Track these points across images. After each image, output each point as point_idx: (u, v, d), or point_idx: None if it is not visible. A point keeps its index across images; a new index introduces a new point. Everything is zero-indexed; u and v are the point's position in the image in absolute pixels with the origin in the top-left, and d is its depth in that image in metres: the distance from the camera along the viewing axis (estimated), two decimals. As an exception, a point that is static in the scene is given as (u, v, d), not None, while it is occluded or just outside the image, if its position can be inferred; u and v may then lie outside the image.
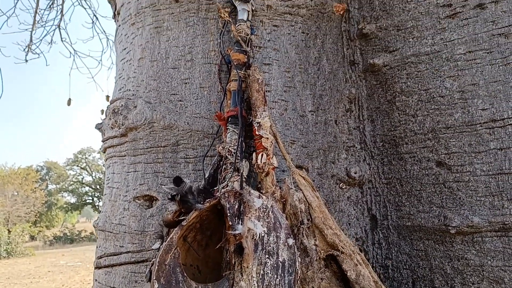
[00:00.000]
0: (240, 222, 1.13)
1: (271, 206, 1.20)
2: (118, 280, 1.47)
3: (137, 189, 1.49)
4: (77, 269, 14.22)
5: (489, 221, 1.26)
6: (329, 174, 1.52)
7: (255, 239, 1.13)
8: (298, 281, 1.16)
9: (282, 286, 1.12)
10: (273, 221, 1.18)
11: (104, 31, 8.71)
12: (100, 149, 1.79)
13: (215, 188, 1.26)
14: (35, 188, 28.08)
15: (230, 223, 1.12)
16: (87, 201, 37.18)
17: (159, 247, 1.11)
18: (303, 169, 1.47)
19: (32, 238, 28.29)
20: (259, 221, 1.16)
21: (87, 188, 37.03)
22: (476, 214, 1.29)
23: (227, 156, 1.29)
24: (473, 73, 1.33)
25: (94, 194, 36.87)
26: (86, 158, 36.84)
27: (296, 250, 1.18)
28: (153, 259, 1.11)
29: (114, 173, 1.60)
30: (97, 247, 1.64)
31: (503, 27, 1.30)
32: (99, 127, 1.67)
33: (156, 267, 1.04)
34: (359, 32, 1.61)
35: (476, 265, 1.28)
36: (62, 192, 36.18)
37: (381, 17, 1.56)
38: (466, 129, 1.33)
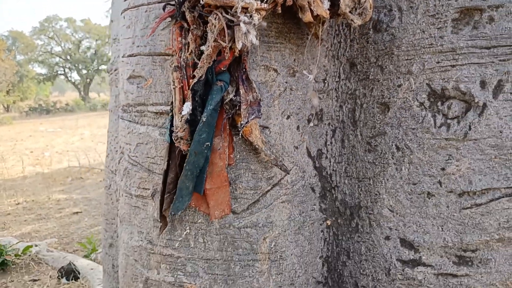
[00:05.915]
0: None
1: None
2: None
3: None
4: (58, 134, 14.76)
5: None
6: None
7: None
8: None
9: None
10: None
11: None
12: None
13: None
14: (3, 57, 27.12)
15: None
16: (59, 72, 36.37)
17: None
18: None
19: (7, 109, 28.17)
20: None
21: (57, 59, 35.91)
22: None
23: None
24: None
25: (65, 65, 35.93)
26: (52, 26, 35.00)
27: None
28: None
29: None
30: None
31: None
32: None
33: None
34: None
35: None
36: (32, 62, 35.06)
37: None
38: None
